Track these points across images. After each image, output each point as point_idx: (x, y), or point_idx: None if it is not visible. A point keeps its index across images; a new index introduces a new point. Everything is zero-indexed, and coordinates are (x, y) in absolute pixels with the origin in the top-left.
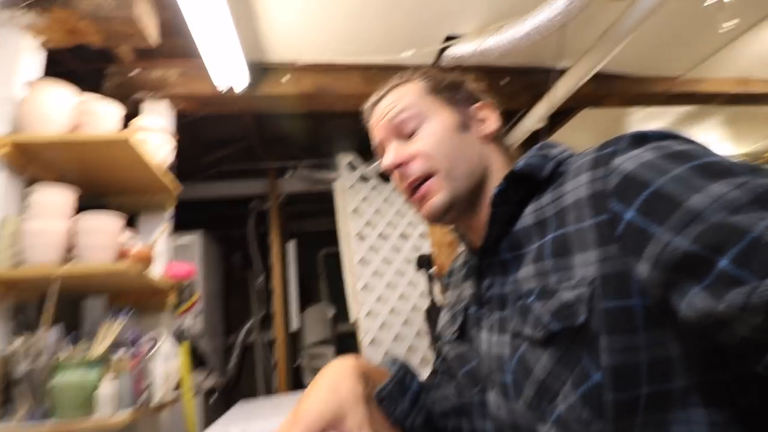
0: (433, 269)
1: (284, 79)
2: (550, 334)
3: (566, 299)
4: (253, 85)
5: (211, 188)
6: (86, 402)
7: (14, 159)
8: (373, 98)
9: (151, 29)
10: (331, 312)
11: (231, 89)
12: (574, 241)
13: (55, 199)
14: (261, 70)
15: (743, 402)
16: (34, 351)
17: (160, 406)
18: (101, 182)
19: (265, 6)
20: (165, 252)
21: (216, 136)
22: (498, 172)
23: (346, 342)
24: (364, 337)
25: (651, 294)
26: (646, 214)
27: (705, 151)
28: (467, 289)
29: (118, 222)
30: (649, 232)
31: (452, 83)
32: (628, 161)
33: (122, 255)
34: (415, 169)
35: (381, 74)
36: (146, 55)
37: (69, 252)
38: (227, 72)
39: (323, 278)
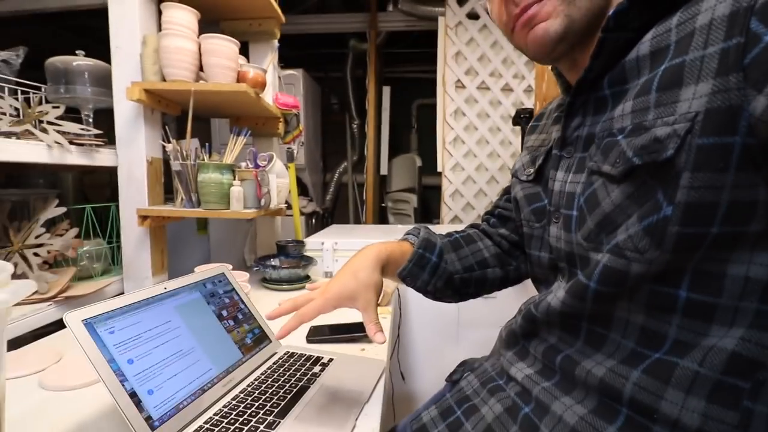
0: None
1: None
2: (629, 169)
3: (658, 135)
4: None
5: (310, 21)
6: (224, 197)
7: None
8: None
9: None
10: (418, 162)
11: None
12: (691, 71)
13: (184, 18)
14: None
15: None
16: (183, 154)
17: (276, 211)
18: (216, 5)
19: None
20: (273, 82)
21: None
22: None
23: (429, 193)
24: (446, 189)
25: (758, 133)
26: None
27: None
28: (554, 132)
29: (235, 45)
30: None
31: None
32: None
33: (241, 78)
34: None
35: None
36: None
37: (200, 71)
38: None
39: (415, 129)
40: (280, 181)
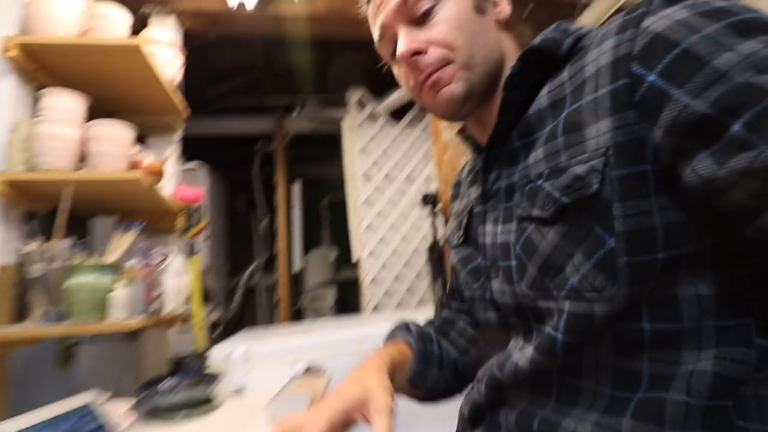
0: (439, 206)
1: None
2: (560, 209)
3: (578, 173)
4: (264, 2)
5: (216, 124)
6: (100, 305)
7: (22, 62)
8: None
9: None
10: (333, 254)
11: (242, 5)
12: (589, 113)
13: (67, 104)
14: None
15: (746, 265)
16: (48, 256)
17: (171, 319)
18: (111, 97)
19: None
20: (174, 175)
21: (223, 65)
22: (513, 60)
23: (346, 287)
24: (365, 277)
25: (661, 159)
26: (668, 77)
27: (748, 8)
28: (473, 193)
29: (129, 132)
30: (668, 95)
31: None
32: (659, 21)
33: (134, 166)
34: (432, 59)
35: None
36: None
37: (81, 161)
38: None
39: (326, 224)
40: (178, 281)
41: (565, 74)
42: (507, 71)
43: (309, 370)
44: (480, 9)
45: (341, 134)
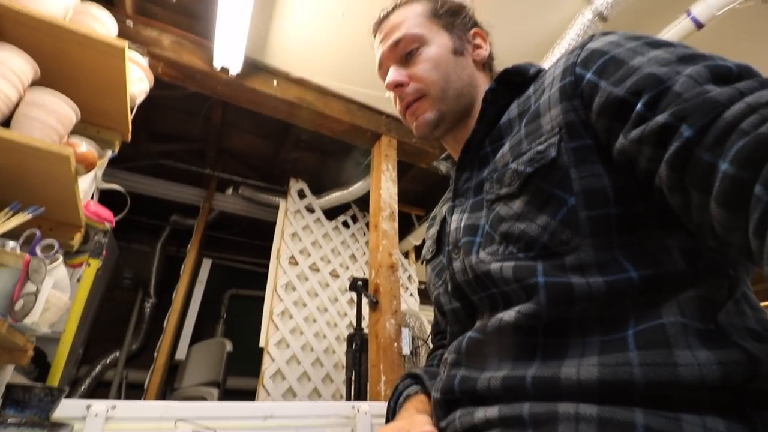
0: (371, 298)
1: (274, 82)
2: (524, 180)
3: (539, 149)
4: (242, 77)
5: (136, 181)
6: None
7: None
8: (381, 14)
9: None
10: (228, 346)
11: (224, 69)
12: (544, 107)
13: (15, 63)
14: (254, 67)
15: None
16: None
17: (21, 348)
18: (65, 90)
19: (283, 12)
20: (89, 191)
21: (169, 128)
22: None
23: (235, 396)
24: (267, 369)
25: (599, 138)
26: (599, 74)
27: (667, 39)
28: (446, 205)
29: (72, 113)
30: (598, 87)
31: (452, 8)
32: (596, 42)
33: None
34: (410, 91)
35: (360, 111)
36: (147, 12)
37: (5, 125)
38: (226, 53)
39: (224, 318)
40: (58, 296)
41: (530, 90)
42: (479, 101)
43: None
44: (458, 51)
45: (271, 222)
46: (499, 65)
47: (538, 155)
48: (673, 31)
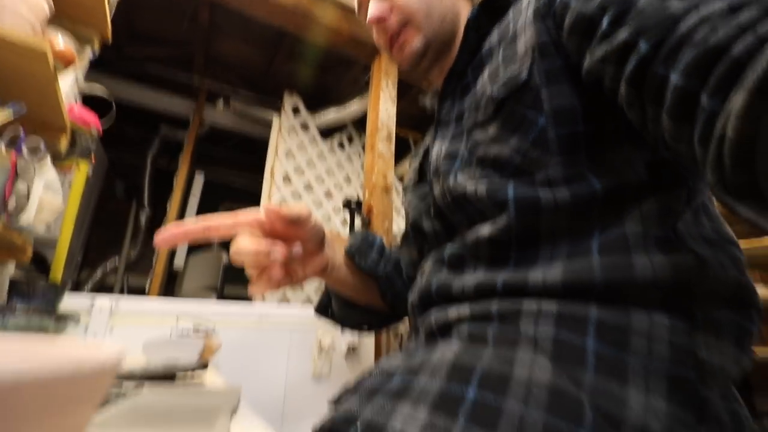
0: (364, 217)
1: None
2: (498, 105)
3: (511, 74)
4: None
5: (121, 88)
6: None
7: None
8: None
9: None
10: (225, 258)
11: None
12: (520, 30)
13: None
14: None
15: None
16: None
17: (20, 246)
18: None
19: None
20: (71, 93)
21: (153, 30)
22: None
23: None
24: None
25: (570, 58)
26: None
27: None
28: (428, 138)
29: (45, 4)
30: (569, 6)
31: None
32: None
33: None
34: (393, 21)
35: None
36: None
37: None
38: None
39: None
40: (50, 196)
41: (510, 14)
42: (462, 29)
43: (197, 332)
44: None
45: (264, 138)
46: None
47: (511, 79)
48: None
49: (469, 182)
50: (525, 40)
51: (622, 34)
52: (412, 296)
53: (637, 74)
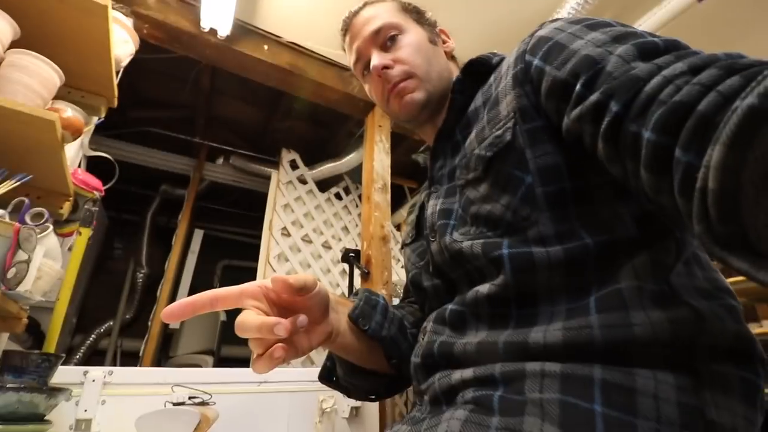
0: (363, 267)
1: (265, 47)
2: (486, 164)
3: (497, 134)
4: (231, 40)
5: (123, 149)
6: None
7: None
8: (349, 13)
9: None
10: (222, 316)
11: (213, 31)
12: (501, 94)
13: None
14: (244, 30)
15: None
16: None
17: (16, 315)
18: (47, 53)
19: None
20: (76, 159)
21: (157, 94)
22: None
23: (230, 364)
24: None
25: (550, 119)
26: (545, 60)
27: (607, 19)
28: (424, 192)
29: (56, 75)
30: (544, 71)
31: (417, 7)
32: (544, 29)
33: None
34: (397, 72)
35: (354, 80)
36: None
37: None
38: (214, 13)
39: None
40: (50, 263)
41: (491, 79)
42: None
43: (192, 403)
44: (432, 41)
45: (263, 193)
46: (501, 30)
47: (497, 140)
48: (674, 2)
49: (465, 240)
50: (507, 103)
51: (594, 96)
52: (415, 358)
53: (612, 131)
